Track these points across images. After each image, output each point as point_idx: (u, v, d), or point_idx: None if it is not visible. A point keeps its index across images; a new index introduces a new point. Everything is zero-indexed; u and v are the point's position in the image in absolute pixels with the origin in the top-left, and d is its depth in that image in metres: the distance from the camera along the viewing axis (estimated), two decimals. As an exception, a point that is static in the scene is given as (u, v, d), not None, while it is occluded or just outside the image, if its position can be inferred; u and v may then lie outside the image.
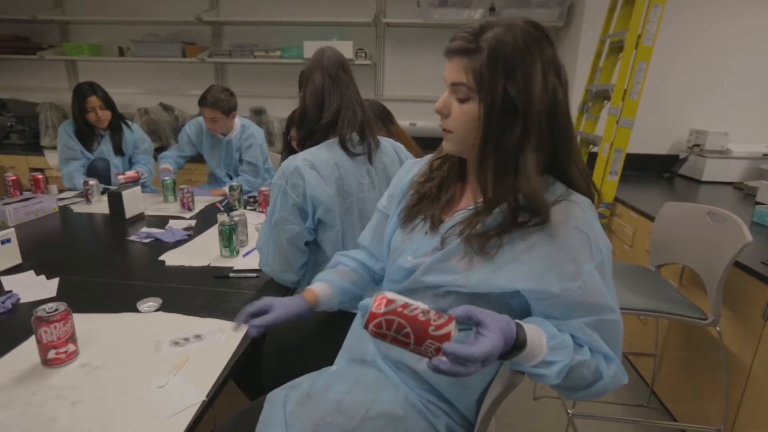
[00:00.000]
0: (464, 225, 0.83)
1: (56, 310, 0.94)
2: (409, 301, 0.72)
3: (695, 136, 2.81)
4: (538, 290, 0.78)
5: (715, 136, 2.71)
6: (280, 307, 0.97)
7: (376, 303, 0.71)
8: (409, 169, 1.04)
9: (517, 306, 0.83)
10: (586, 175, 0.84)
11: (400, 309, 0.70)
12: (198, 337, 1.08)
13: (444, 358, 0.67)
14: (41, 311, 0.94)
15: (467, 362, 0.66)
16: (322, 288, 1.07)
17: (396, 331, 0.70)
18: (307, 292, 1.06)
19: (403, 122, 3.32)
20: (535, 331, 0.74)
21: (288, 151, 1.85)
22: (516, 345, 0.71)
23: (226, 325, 1.13)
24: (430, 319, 0.69)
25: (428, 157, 1.00)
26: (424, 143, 1.99)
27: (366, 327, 0.72)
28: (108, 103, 2.51)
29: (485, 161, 0.80)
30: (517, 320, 0.74)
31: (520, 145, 0.77)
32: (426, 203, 0.92)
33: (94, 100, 2.43)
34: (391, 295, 0.72)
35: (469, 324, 0.71)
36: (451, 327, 0.69)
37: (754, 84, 2.87)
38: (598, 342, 0.78)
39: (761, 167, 2.61)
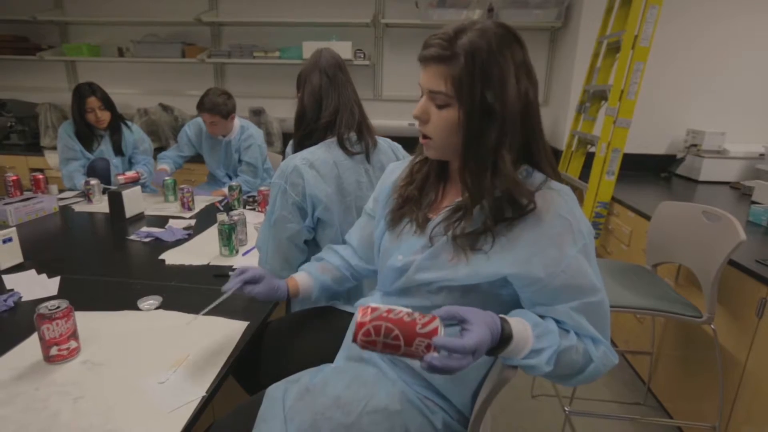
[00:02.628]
0: (448, 223, 0.85)
1: (58, 307, 0.96)
2: (392, 306, 0.74)
3: (692, 136, 2.83)
4: (525, 275, 0.79)
5: (712, 136, 2.73)
6: (266, 285, 1.06)
7: (360, 313, 0.73)
8: (391, 171, 1.06)
9: (507, 297, 0.85)
10: (555, 167, 0.87)
11: (385, 314, 0.72)
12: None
13: (436, 354, 0.69)
14: (44, 308, 0.95)
15: (459, 354, 0.67)
16: (304, 280, 1.14)
17: (385, 336, 0.71)
18: (290, 281, 1.13)
19: (401, 122, 3.36)
20: (519, 322, 0.76)
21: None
22: (503, 338, 0.73)
23: (226, 322, 1.14)
24: (416, 319, 0.71)
25: (410, 159, 1.01)
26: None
27: (355, 340, 0.73)
28: (107, 103, 2.52)
29: (466, 164, 0.82)
30: (501, 315, 0.76)
31: (497, 146, 0.79)
32: (410, 206, 0.94)
33: (93, 101, 2.44)
34: (374, 304, 0.74)
35: (454, 322, 0.73)
36: (437, 323, 0.71)
37: (750, 84, 2.89)
38: (585, 326, 0.80)
39: (758, 167, 2.62)
